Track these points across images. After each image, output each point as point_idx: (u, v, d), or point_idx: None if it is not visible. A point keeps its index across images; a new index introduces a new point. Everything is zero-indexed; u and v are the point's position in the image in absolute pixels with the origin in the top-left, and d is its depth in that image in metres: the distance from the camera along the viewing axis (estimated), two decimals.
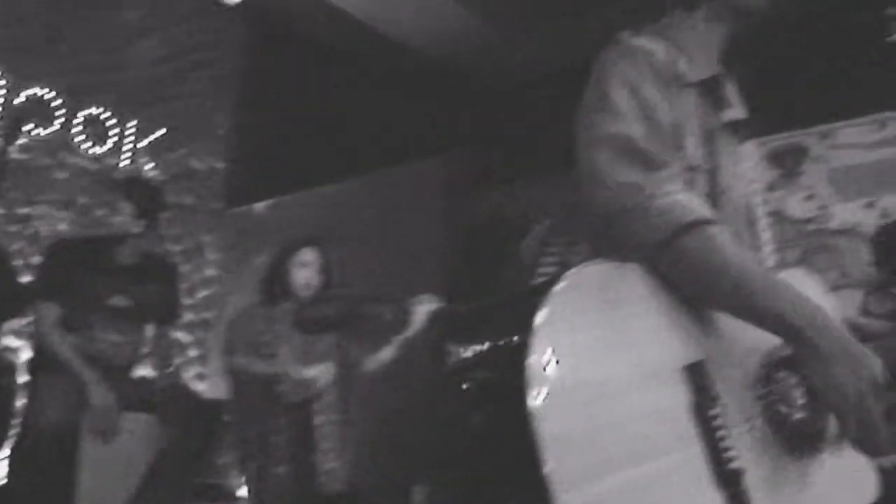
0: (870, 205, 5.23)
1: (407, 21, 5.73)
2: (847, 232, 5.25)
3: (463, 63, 6.16)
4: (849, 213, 5.30)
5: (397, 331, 3.38)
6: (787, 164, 5.55)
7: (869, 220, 5.16)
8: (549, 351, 1.00)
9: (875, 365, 1.11)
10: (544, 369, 0.99)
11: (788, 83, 5.17)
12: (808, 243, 5.38)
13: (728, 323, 1.21)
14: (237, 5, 5.71)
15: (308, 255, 3.52)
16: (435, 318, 3.36)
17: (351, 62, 6.14)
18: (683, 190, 1.21)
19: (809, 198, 5.46)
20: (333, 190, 5.67)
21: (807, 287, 1.36)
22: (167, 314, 3.75)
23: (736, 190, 1.42)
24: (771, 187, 5.59)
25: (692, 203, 1.19)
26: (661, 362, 1.12)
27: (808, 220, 5.43)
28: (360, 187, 5.54)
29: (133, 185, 3.69)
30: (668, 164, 1.22)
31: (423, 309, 3.41)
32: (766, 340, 1.21)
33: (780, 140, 5.58)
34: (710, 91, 1.40)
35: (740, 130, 1.48)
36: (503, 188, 6.43)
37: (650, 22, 1.43)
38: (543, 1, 5.43)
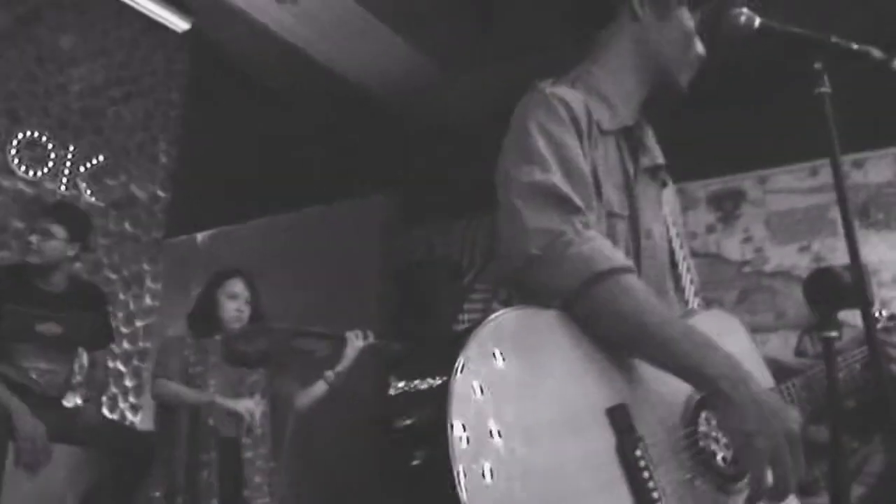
0: (804, 248, 5.37)
1: (353, 57, 5.75)
2: (782, 274, 5.38)
3: (405, 102, 6.20)
4: (784, 255, 5.44)
5: (329, 365, 3.36)
6: (726, 206, 5.68)
7: (803, 264, 5.30)
8: (469, 399, 1.00)
9: (789, 418, 1.12)
10: (464, 418, 0.98)
11: (726, 128, 5.31)
12: (746, 285, 5.50)
13: (648, 366, 1.21)
14: (184, 33, 5.67)
15: (236, 287, 3.49)
16: (367, 353, 3.34)
17: (295, 96, 6.14)
18: (599, 236, 1.22)
19: (747, 240, 5.59)
20: (273, 222, 5.63)
21: (725, 330, 1.39)
22: (99, 341, 3.67)
23: (657, 234, 1.44)
24: (709, 229, 5.72)
25: (608, 250, 1.21)
26: (584, 406, 1.12)
27: (746, 262, 5.55)
28: (299, 221, 5.51)
29: (63, 210, 3.62)
30: (585, 211, 1.24)
31: (356, 344, 3.39)
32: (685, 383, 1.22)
33: (718, 184, 5.72)
34: (628, 138, 1.43)
35: (660, 176, 1.51)
36: (439, 227, 6.48)
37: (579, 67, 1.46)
38: (485, 42, 5.51)
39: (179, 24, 5.61)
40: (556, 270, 1.17)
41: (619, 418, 1.13)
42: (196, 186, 5.90)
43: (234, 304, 3.46)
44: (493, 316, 1.09)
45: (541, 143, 1.27)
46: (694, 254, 5.71)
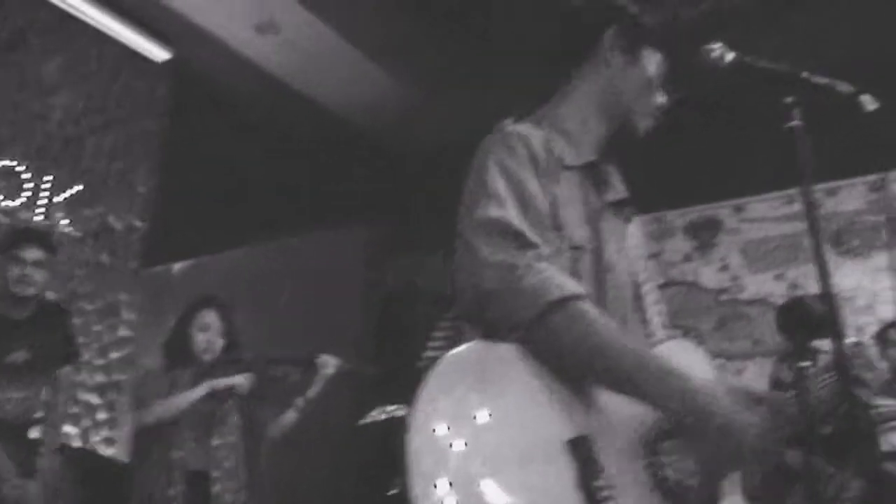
0: (780, 276, 5.43)
1: (334, 87, 5.78)
2: (759, 302, 5.42)
3: (388, 131, 6.24)
4: (760, 283, 5.49)
5: (300, 391, 3.34)
6: (703, 236, 5.74)
7: (779, 291, 5.35)
8: (429, 433, 1.01)
9: (750, 433, 1.14)
10: (424, 451, 0.99)
11: (703, 158, 5.38)
12: (723, 312, 5.54)
13: (608, 396, 1.22)
14: (164, 63, 5.68)
15: (208, 318, 3.45)
16: (340, 378, 3.33)
17: (276, 126, 6.16)
18: (552, 268, 1.24)
19: (723, 268, 5.64)
20: (253, 252, 5.61)
21: (687, 359, 1.40)
22: (66, 359, 3.62)
23: (621, 267, 1.47)
24: (687, 258, 5.77)
25: (561, 280, 1.23)
26: (545, 438, 1.13)
27: (723, 290, 5.60)
28: (280, 250, 5.50)
29: (37, 234, 3.60)
30: (540, 245, 1.26)
31: (327, 369, 3.38)
32: (648, 411, 1.23)
33: (695, 212, 5.78)
34: (592, 174, 1.47)
35: (624, 211, 1.54)
36: (419, 257, 6.48)
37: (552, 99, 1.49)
38: (467, 70, 5.57)
39: (159, 53, 5.62)
40: (511, 304, 1.19)
41: (581, 449, 1.14)
42: (175, 216, 5.88)
43: (206, 335, 3.43)
44: (452, 351, 1.11)
45: (499, 181, 1.30)
46: (671, 282, 5.77)
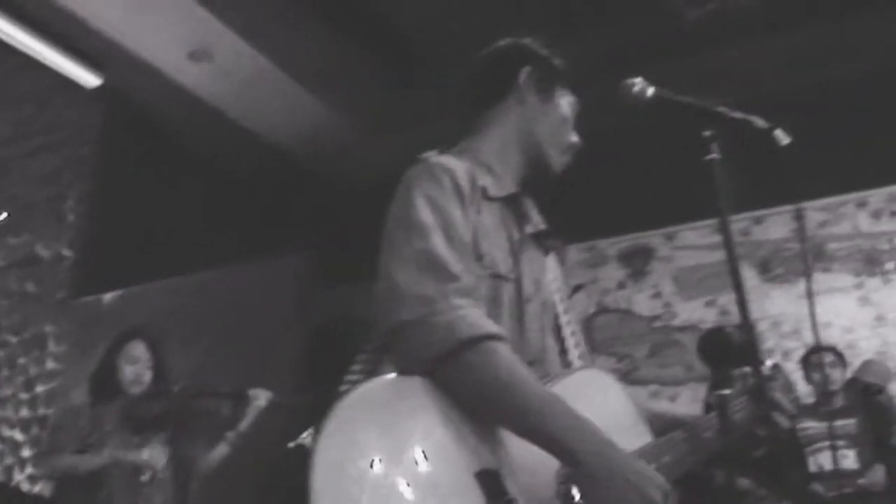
0: (710, 303, 5.55)
1: (269, 116, 5.75)
2: (691, 328, 5.53)
3: (322, 162, 6.23)
4: (692, 310, 5.61)
5: (231, 425, 3.28)
6: (635, 263, 5.84)
7: (710, 318, 5.47)
8: (331, 466, 1.01)
9: (652, 487, 1.13)
10: (326, 484, 0.99)
11: (635, 187, 5.50)
12: (656, 339, 5.64)
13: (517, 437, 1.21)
14: (96, 89, 5.58)
15: (136, 350, 3.38)
16: (272, 412, 3.28)
17: (210, 154, 6.09)
18: (470, 306, 1.24)
19: (656, 296, 5.75)
20: (186, 282, 5.51)
21: (598, 389, 1.42)
22: None
23: (540, 298, 1.48)
24: (620, 285, 5.86)
25: (476, 319, 1.22)
26: (452, 472, 1.11)
27: (655, 317, 5.70)
28: (213, 280, 5.41)
29: None
30: (461, 278, 1.26)
31: (258, 402, 3.33)
32: None
33: (628, 241, 5.89)
34: (513, 206, 1.49)
35: (544, 244, 1.56)
36: (352, 287, 6.43)
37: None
38: (404, 104, 5.60)
39: (90, 79, 5.52)
40: (424, 337, 1.19)
41: (490, 482, 1.13)
42: (105, 245, 5.75)
43: (134, 368, 3.35)
44: (361, 386, 1.11)
45: (423, 211, 1.30)
46: (605, 309, 5.83)
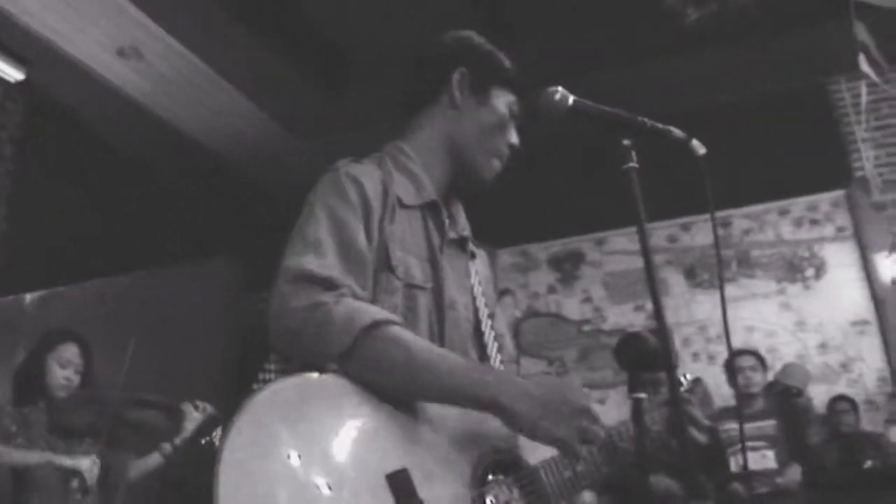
0: (639, 307, 5.67)
1: (199, 117, 5.64)
2: (620, 332, 5.62)
3: (252, 165, 6.15)
4: (621, 314, 5.71)
5: (168, 437, 3.20)
6: (566, 268, 5.93)
7: (639, 322, 5.58)
8: (238, 466, 1.00)
9: (570, 394, 1.22)
10: (230, 486, 0.99)
11: (566, 193, 5.57)
12: (586, 343, 5.72)
13: (431, 430, 1.23)
14: (17, 84, 5.39)
15: (68, 353, 3.26)
16: (206, 425, 3.22)
17: (137, 154, 5.96)
18: (358, 301, 1.25)
19: (586, 300, 5.84)
20: (109, 284, 5.38)
21: None
22: None
23: (461, 304, 1.48)
24: (550, 290, 5.94)
25: (368, 307, 1.24)
26: (362, 472, 1.11)
27: (585, 321, 5.79)
28: (137, 283, 5.30)
29: None
30: (351, 286, 1.26)
31: (194, 416, 3.25)
32: (474, 445, 1.26)
33: (558, 245, 5.97)
34: (434, 212, 1.47)
35: (468, 248, 1.55)
36: None
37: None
38: (336, 111, 5.57)
39: (12, 73, 5.33)
40: (324, 336, 1.19)
41: (400, 483, 1.13)
42: (27, 244, 5.57)
43: (65, 371, 3.23)
44: (269, 384, 1.11)
45: (322, 225, 1.31)
46: (537, 313, 5.87)
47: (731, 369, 4.20)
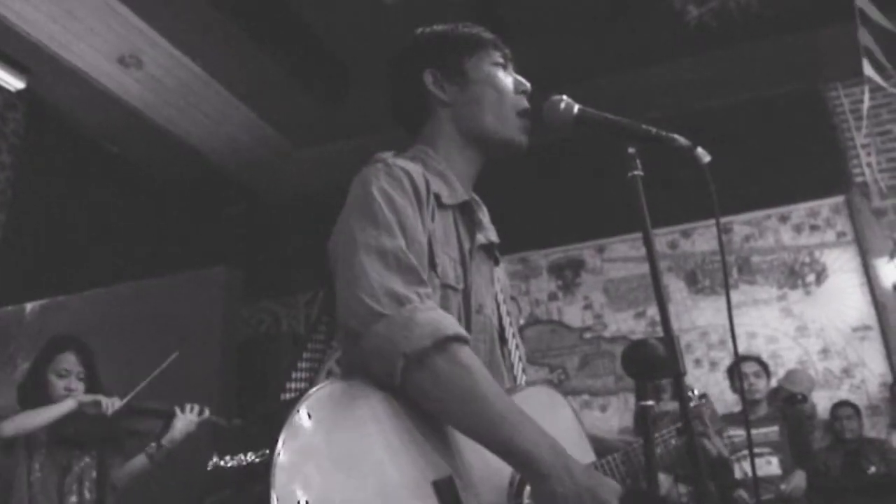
0: (640, 314, 5.66)
1: (199, 125, 5.65)
2: (621, 339, 5.63)
3: (252, 174, 6.15)
4: (622, 321, 5.71)
5: (156, 440, 3.19)
6: (566, 275, 5.92)
7: (640, 329, 5.57)
8: (293, 472, 0.99)
9: (605, 492, 1.14)
10: (288, 492, 0.98)
11: (567, 200, 5.58)
12: (587, 350, 5.71)
13: (469, 441, 1.21)
14: (18, 92, 5.40)
15: (66, 363, 3.25)
16: (202, 428, 3.21)
17: (137, 162, 5.96)
18: (439, 308, 1.22)
19: (587, 307, 5.83)
20: (110, 293, 5.35)
21: (549, 406, 1.42)
22: None
23: (488, 309, 1.45)
24: (552, 297, 5.93)
25: (451, 320, 1.21)
26: (409, 479, 1.11)
27: (586, 328, 5.78)
28: (137, 292, 5.27)
29: None
30: (425, 282, 1.24)
31: (186, 418, 3.24)
32: None
33: (559, 252, 5.96)
34: (465, 214, 1.45)
35: (494, 254, 1.53)
36: (286, 300, 6.40)
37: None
38: (327, 120, 5.57)
39: (13, 82, 5.34)
40: (404, 331, 1.15)
41: (445, 490, 1.13)
42: (27, 253, 5.56)
43: (64, 381, 3.21)
44: (315, 388, 1.08)
45: (385, 210, 1.27)
46: (538, 321, 5.85)
47: (738, 375, 4.19)
